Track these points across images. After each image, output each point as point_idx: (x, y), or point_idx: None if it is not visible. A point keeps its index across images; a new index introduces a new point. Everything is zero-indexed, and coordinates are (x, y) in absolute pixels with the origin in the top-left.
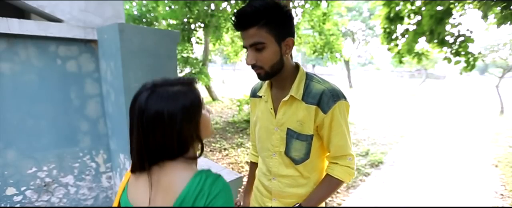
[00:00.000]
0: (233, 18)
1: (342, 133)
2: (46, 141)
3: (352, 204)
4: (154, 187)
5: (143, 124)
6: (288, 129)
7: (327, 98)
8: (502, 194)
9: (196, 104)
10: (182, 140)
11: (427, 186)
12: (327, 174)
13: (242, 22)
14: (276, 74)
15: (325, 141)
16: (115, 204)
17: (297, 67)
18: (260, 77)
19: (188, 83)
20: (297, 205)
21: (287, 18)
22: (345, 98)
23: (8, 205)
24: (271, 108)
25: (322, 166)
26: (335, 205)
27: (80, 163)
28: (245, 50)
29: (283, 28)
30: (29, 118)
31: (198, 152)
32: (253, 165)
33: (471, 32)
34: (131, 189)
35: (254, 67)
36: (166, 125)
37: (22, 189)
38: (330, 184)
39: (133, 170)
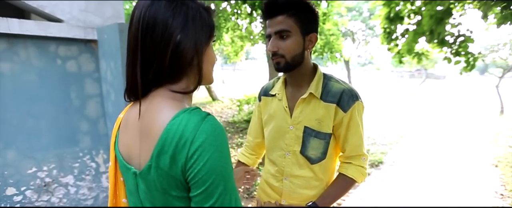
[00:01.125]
0: (263, 6)
1: (359, 133)
2: (46, 141)
3: (352, 204)
4: (139, 129)
5: (143, 25)
6: (305, 127)
7: (347, 97)
8: (502, 194)
9: (207, 27)
10: (177, 56)
11: (427, 186)
12: (340, 174)
13: (272, 9)
14: (295, 68)
15: (341, 140)
16: (111, 155)
17: (315, 67)
18: (278, 67)
19: (208, 9)
20: (311, 203)
21: (314, 15)
22: (361, 99)
23: (8, 205)
24: (286, 106)
25: (334, 168)
26: (335, 205)
27: (80, 163)
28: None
29: (309, 22)
30: (29, 118)
31: (192, 87)
32: (240, 165)
33: (471, 32)
34: (122, 136)
35: (274, 55)
36: (166, 29)
37: (22, 189)
38: (344, 184)
39: (125, 96)
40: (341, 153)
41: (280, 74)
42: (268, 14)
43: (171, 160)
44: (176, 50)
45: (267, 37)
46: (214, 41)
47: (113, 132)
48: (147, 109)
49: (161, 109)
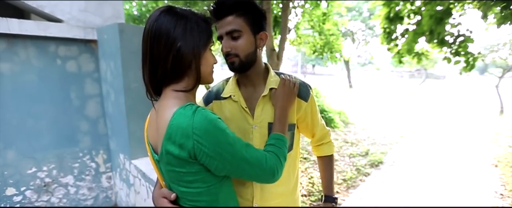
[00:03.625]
0: (211, 8)
1: (319, 115)
2: (46, 141)
3: (352, 204)
4: (156, 124)
5: (151, 36)
6: (269, 123)
7: (304, 89)
8: (502, 194)
9: (204, 35)
10: (178, 60)
11: (427, 186)
12: (322, 157)
13: (220, 10)
14: (250, 67)
15: (309, 127)
16: (147, 147)
17: (266, 66)
18: (233, 66)
19: (206, 19)
20: (325, 198)
21: (262, 14)
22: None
23: (8, 205)
24: (245, 107)
25: (298, 159)
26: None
27: (80, 163)
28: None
29: (258, 21)
30: (29, 118)
31: (192, 85)
32: None
33: (471, 32)
34: (149, 130)
35: (228, 55)
36: (168, 39)
37: (22, 189)
38: (330, 163)
39: (147, 95)
40: (311, 138)
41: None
42: (217, 16)
43: (179, 147)
44: (177, 55)
45: (219, 39)
46: (212, 45)
47: (145, 127)
48: (159, 108)
49: (166, 109)
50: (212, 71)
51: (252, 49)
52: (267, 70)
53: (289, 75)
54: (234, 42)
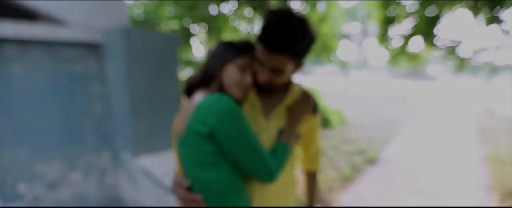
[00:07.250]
0: (264, 32)
1: (318, 131)
2: (54, 140)
3: (349, 200)
4: (184, 113)
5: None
6: (279, 129)
7: (315, 102)
8: (491, 191)
9: (229, 53)
10: (207, 72)
11: (422, 183)
12: (311, 173)
13: (275, 45)
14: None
15: (308, 139)
16: (173, 140)
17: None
18: (262, 89)
19: (240, 46)
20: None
21: (311, 44)
22: None
23: (17, 201)
24: (261, 111)
25: (295, 162)
26: (332, 204)
27: (86, 161)
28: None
29: (304, 55)
30: (39, 118)
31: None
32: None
33: (461, 34)
34: (178, 123)
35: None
36: (207, 60)
37: (31, 186)
38: (316, 177)
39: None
40: (304, 151)
41: None
42: (268, 47)
43: (202, 123)
44: (207, 69)
45: (257, 61)
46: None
47: (174, 123)
48: (190, 101)
49: (196, 98)
50: (236, 86)
51: (286, 80)
52: (289, 81)
53: (305, 89)
54: (274, 77)
